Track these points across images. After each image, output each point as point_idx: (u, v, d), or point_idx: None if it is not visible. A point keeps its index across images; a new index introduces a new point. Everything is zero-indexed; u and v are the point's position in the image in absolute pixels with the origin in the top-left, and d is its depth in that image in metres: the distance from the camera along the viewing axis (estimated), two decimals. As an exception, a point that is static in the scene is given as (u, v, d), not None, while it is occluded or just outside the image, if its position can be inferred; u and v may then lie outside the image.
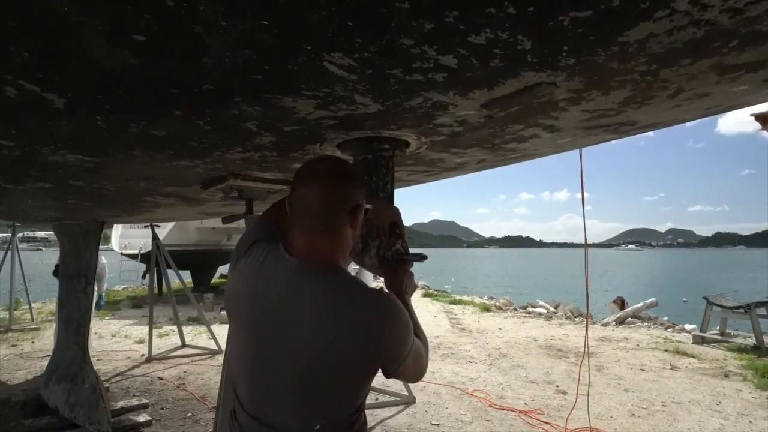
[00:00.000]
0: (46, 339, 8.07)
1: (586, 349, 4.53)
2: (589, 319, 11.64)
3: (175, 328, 8.09)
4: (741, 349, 8.02)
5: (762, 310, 8.29)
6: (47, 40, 1.00)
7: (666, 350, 8.03)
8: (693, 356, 7.61)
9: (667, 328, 10.42)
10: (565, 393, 5.66)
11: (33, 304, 10.40)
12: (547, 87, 1.25)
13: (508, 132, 1.67)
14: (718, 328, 9.18)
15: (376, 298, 1.18)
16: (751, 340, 8.40)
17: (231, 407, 1.29)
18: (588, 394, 4.83)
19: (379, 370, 1.22)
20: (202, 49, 1.03)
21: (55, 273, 6.55)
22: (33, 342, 8.11)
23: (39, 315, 9.92)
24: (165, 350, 7.37)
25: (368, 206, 1.35)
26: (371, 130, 1.58)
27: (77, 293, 4.79)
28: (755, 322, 8.09)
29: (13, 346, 7.83)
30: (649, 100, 1.44)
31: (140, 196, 2.80)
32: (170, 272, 8.06)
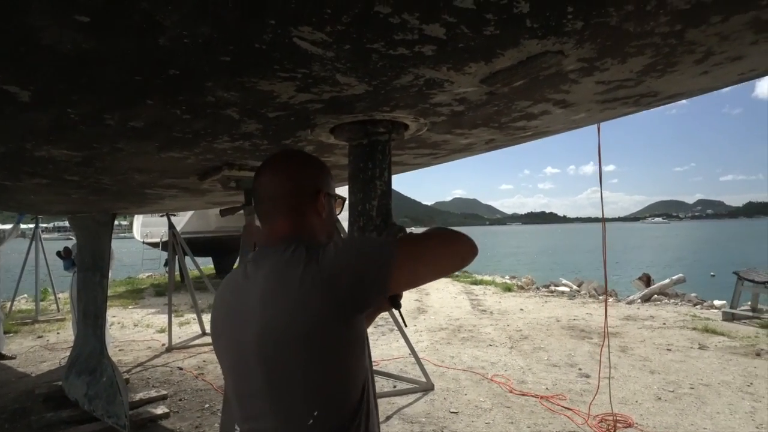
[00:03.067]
0: (71, 330, 8.21)
1: (606, 330, 4.36)
2: (614, 297, 11.42)
3: (195, 316, 8.13)
4: (774, 326, 7.74)
5: (796, 285, 7.98)
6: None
7: (694, 328, 7.80)
8: (723, 334, 7.38)
9: (695, 305, 10.13)
10: (588, 376, 5.52)
11: (59, 295, 10.58)
12: (553, 57, 1.10)
13: (515, 109, 1.52)
14: (749, 303, 8.88)
15: (319, 245, 1.10)
16: (785, 316, 8.11)
17: None
18: (610, 377, 4.69)
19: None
20: (155, 28, 0.91)
21: (59, 255, 6.54)
22: (58, 333, 8.26)
23: (65, 305, 10.07)
24: (185, 339, 7.42)
25: (341, 195, 1.30)
26: (363, 113, 1.45)
27: (93, 286, 4.80)
28: (789, 298, 7.78)
29: (39, 337, 7.98)
30: (672, 67, 1.27)
31: (140, 189, 2.73)
32: (189, 260, 8.08)
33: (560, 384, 5.28)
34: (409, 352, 5.50)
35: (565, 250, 51.64)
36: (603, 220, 3.81)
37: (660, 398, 4.83)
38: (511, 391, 5.06)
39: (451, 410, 4.57)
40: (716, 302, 10.12)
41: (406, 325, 1.73)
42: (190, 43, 0.97)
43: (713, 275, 21.41)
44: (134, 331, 8.33)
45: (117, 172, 2.18)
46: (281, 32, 0.93)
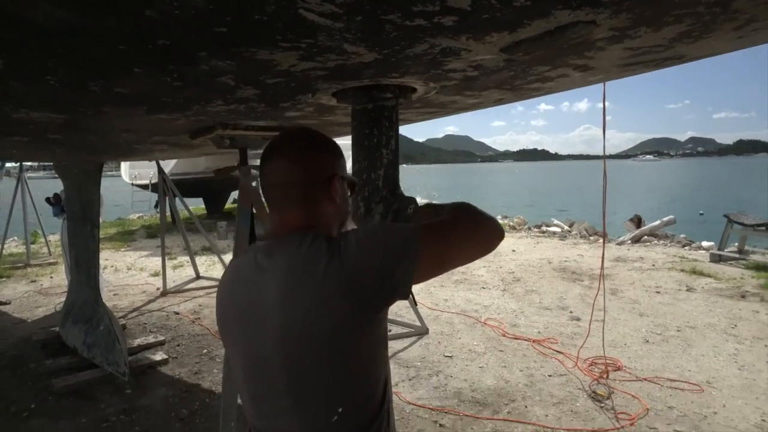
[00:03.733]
0: (64, 274, 8.20)
1: (602, 274, 4.42)
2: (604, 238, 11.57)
3: (189, 258, 8.14)
4: (759, 267, 7.91)
5: (784, 228, 8.09)
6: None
7: (682, 270, 7.96)
8: (710, 276, 7.54)
9: (684, 246, 10.31)
10: (578, 319, 5.65)
11: (49, 237, 10.50)
12: (584, 27, 1.00)
13: (531, 74, 1.42)
14: (736, 245, 9.04)
15: (334, 237, 1.04)
16: (771, 258, 8.28)
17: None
18: (604, 321, 4.79)
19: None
20: (142, 1, 0.80)
21: (48, 201, 6.41)
22: (51, 277, 8.25)
23: (56, 248, 10.03)
24: (180, 283, 7.45)
25: (353, 178, 1.21)
26: (370, 78, 1.34)
27: (84, 236, 4.73)
28: (776, 240, 7.91)
29: (32, 281, 7.97)
30: (708, 34, 1.17)
31: (128, 145, 2.61)
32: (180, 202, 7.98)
33: (552, 327, 5.41)
34: (404, 296, 5.56)
35: (556, 189, 51.90)
36: (604, 161, 3.75)
37: (648, 341, 4.97)
38: (504, 335, 5.18)
39: (446, 354, 4.68)
40: (704, 243, 10.29)
41: (416, 304, 1.70)
42: (181, 15, 0.86)
43: (702, 214, 21.70)
44: (128, 274, 8.35)
45: (103, 133, 2.06)
46: (285, 4, 0.82)
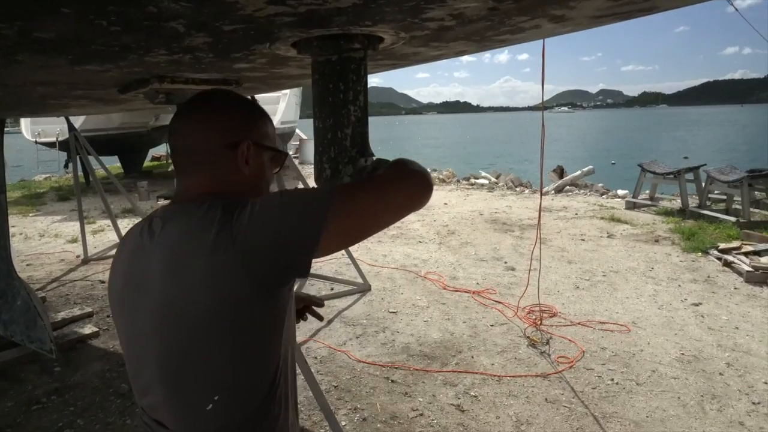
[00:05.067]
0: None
1: (539, 233, 4.58)
2: (529, 189, 12.04)
3: (110, 222, 7.59)
4: (668, 213, 8.56)
5: (690, 176, 8.75)
6: None
7: (602, 218, 8.46)
8: (626, 222, 8.06)
9: (602, 195, 10.94)
10: (513, 269, 5.88)
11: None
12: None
13: (507, 24, 1.34)
14: (648, 192, 9.71)
15: (233, 204, 0.93)
16: (677, 203, 8.97)
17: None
18: (540, 270, 5.01)
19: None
20: None
21: None
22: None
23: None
24: (102, 249, 6.97)
25: (278, 149, 1.13)
26: (339, 27, 1.21)
27: (-12, 202, 4.23)
28: (683, 187, 8.57)
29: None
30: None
31: (42, 100, 2.29)
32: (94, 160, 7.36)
33: (489, 278, 5.59)
34: (343, 252, 5.52)
35: (481, 141, 53.21)
36: (542, 124, 3.80)
37: (578, 287, 5.27)
38: (444, 288, 5.30)
39: (390, 310, 4.72)
40: (620, 192, 10.98)
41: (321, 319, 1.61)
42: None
43: (614, 163, 23.10)
44: (41, 242, 7.69)
45: (12, 86, 1.77)
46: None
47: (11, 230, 8.04)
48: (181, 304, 0.89)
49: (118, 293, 1.01)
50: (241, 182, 1.02)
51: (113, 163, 15.27)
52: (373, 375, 3.56)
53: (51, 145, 12.40)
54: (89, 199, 10.21)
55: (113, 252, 5.68)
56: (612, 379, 3.47)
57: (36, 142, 12.52)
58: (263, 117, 1.10)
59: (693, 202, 8.74)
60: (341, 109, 1.37)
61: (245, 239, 0.86)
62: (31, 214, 9.97)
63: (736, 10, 5.96)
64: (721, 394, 3.28)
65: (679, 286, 5.24)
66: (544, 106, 3.70)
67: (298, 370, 2.91)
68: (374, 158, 1.40)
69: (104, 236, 7.86)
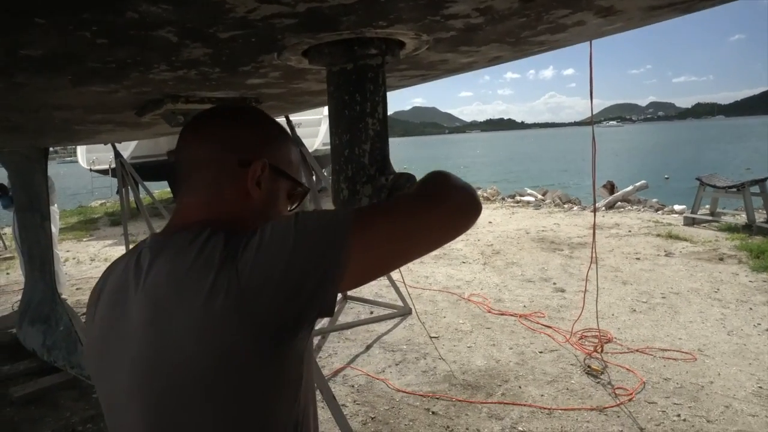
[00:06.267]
0: (20, 270, 7.72)
1: (594, 250, 4.28)
2: (578, 206, 11.56)
3: (156, 247, 7.73)
4: (732, 229, 7.98)
5: (755, 188, 8.15)
6: None
7: (659, 235, 7.97)
8: (686, 239, 7.56)
9: (656, 210, 10.37)
10: (563, 291, 5.55)
11: (3, 230, 9.90)
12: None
13: (546, 20, 1.16)
14: (707, 207, 9.11)
15: (238, 235, 0.77)
16: (742, 219, 8.35)
17: None
18: (597, 292, 4.68)
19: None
20: None
21: None
22: (8, 273, 7.76)
23: (11, 242, 9.44)
24: (147, 272, 7.07)
25: (301, 183, 0.98)
26: (350, 29, 1.07)
27: (35, 228, 4.34)
28: (748, 201, 7.97)
29: (-14, 278, 7.50)
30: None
31: (66, 125, 2.27)
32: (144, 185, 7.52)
33: (537, 300, 5.29)
34: (384, 276, 5.37)
35: (526, 158, 52.31)
36: (593, 136, 3.55)
37: (635, 310, 4.89)
38: (489, 311, 5.04)
39: (432, 335, 4.51)
40: (676, 207, 10.37)
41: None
42: None
43: (667, 178, 22.06)
44: (91, 266, 7.91)
45: (28, 110, 1.73)
46: None
47: (66, 255, 8.33)
48: (169, 362, 0.72)
49: (96, 344, 0.84)
50: (248, 208, 0.86)
51: (165, 188, 15.77)
52: (413, 406, 3.35)
53: (104, 172, 12.92)
54: (139, 223, 10.49)
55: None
56: (678, 415, 3.13)
57: (90, 170, 13.07)
58: (286, 140, 0.95)
59: (759, 216, 8.11)
60: (358, 122, 1.23)
61: (251, 280, 0.70)
62: (84, 239, 10.33)
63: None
64: (807, 435, 2.89)
65: (750, 309, 4.78)
66: (593, 119, 3.46)
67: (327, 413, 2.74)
68: (401, 175, 1.24)
69: (150, 260, 8.02)
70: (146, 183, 7.40)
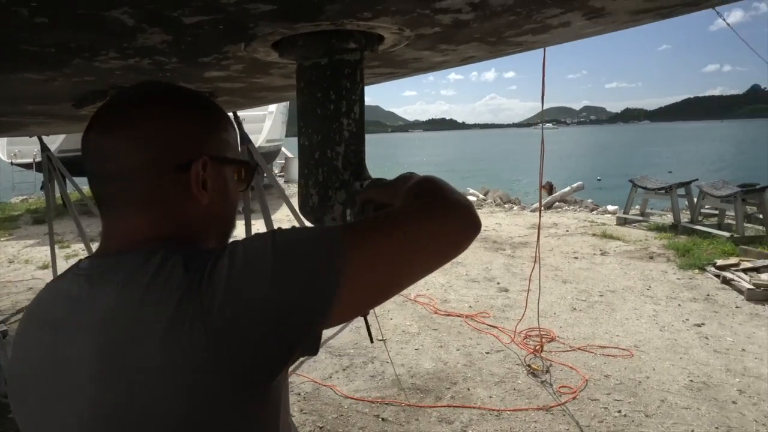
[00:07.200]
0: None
1: (538, 250, 4.37)
2: (518, 206, 11.90)
3: (84, 246, 7.21)
4: (659, 228, 8.45)
5: (681, 191, 8.66)
6: None
7: (594, 234, 8.32)
8: (619, 239, 7.92)
9: (591, 211, 10.83)
10: (507, 290, 5.66)
11: None
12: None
13: (534, 20, 1.12)
14: (637, 207, 9.62)
15: (202, 255, 0.65)
16: (669, 219, 8.87)
17: None
18: (539, 292, 4.77)
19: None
20: None
21: None
22: None
23: None
24: (75, 274, 6.59)
25: (243, 160, 0.82)
26: (330, 20, 0.98)
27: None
28: (675, 203, 8.47)
29: None
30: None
31: (-12, 116, 2.03)
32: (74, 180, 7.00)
33: (482, 300, 5.36)
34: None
35: (468, 159, 53.44)
36: (542, 138, 3.61)
37: (575, 308, 5.06)
38: (435, 312, 5.05)
39: (379, 338, 4.45)
40: (609, 207, 10.88)
41: (372, 341, 1.34)
42: None
43: (599, 179, 23.17)
44: (10, 269, 7.29)
45: (-56, 98, 1.52)
46: None
47: (-21, 255, 7.65)
48: (121, 413, 0.60)
49: (22, 395, 0.69)
50: (198, 216, 0.73)
51: (92, 183, 14.85)
52: (362, 413, 3.28)
53: (27, 166, 11.96)
54: (66, 222, 9.82)
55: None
56: (619, 411, 3.24)
57: (12, 163, 12.09)
58: (219, 116, 0.78)
59: (684, 217, 8.63)
60: (332, 122, 1.14)
61: (222, 316, 0.59)
62: (3, 238, 9.53)
63: (729, 25, 5.92)
64: (737, 426, 3.06)
65: (679, 305, 5.06)
66: (543, 121, 3.52)
67: None
68: (378, 181, 1.15)
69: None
70: (75, 178, 6.91)
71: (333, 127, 1.14)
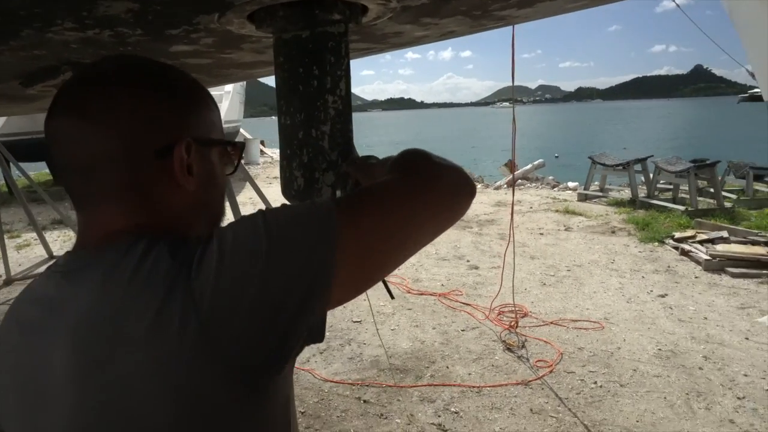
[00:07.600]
0: None
1: (512, 231, 4.40)
2: (482, 184, 12.00)
3: (36, 235, 6.87)
4: (618, 203, 8.68)
5: (638, 167, 8.90)
6: None
7: (557, 210, 8.47)
8: (581, 214, 8.10)
9: (553, 187, 11.02)
10: (477, 268, 5.71)
11: None
12: None
13: (526, -9, 1.07)
14: (597, 183, 9.85)
15: (188, 244, 0.59)
16: (627, 194, 9.12)
17: None
18: (514, 269, 4.82)
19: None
20: None
21: None
22: None
23: None
24: (29, 266, 6.27)
25: (228, 141, 0.75)
26: (315, -12, 0.90)
27: None
28: (632, 178, 8.69)
29: None
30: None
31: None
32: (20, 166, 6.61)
33: (453, 278, 5.39)
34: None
35: (428, 138, 53.58)
36: (513, 116, 3.60)
37: (545, 284, 5.14)
38: (408, 291, 5.05)
39: (354, 319, 4.42)
40: (570, 184, 11.09)
41: (393, 297, 1.29)
42: None
43: (557, 156, 23.62)
44: (-44, 262, 6.87)
45: None
46: None
47: None
48: (105, 421, 0.55)
49: (1, 404, 0.64)
50: (185, 204, 0.66)
51: (42, 169, 14.15)
52: (343, 395, 3.25)
53: (-34, 151, 11.26)
54: (13, 210, 9.33)
55: (42, 268, 5.12)
56: (595, 382, 3.31)
57: (-52, 149, 11.35)
58: (201, 94, 0.71)
59: (641, 192, 8.89)
60: (316, 99, 1.07)
61: (215, 306, 0.54)
62: (-55, 230, 8.97)
63: (678, 6, 6.04)
64: (705, 390, 3.18)
65: (643, 277, 5.21)
66: (514, 100, 3.51)
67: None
68: (366, 159, 1.09)
69: (30, 251, 7.11)
70: (21, 164, 6.53)
71: (317, 104, 1.07)
